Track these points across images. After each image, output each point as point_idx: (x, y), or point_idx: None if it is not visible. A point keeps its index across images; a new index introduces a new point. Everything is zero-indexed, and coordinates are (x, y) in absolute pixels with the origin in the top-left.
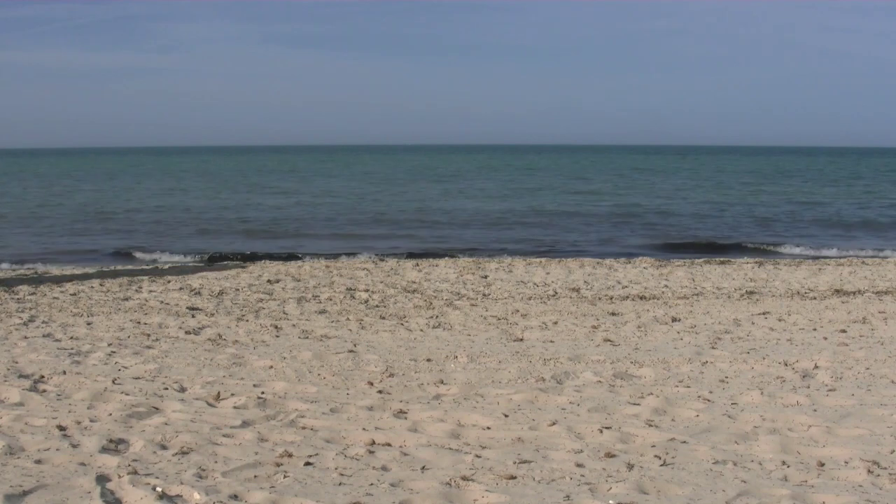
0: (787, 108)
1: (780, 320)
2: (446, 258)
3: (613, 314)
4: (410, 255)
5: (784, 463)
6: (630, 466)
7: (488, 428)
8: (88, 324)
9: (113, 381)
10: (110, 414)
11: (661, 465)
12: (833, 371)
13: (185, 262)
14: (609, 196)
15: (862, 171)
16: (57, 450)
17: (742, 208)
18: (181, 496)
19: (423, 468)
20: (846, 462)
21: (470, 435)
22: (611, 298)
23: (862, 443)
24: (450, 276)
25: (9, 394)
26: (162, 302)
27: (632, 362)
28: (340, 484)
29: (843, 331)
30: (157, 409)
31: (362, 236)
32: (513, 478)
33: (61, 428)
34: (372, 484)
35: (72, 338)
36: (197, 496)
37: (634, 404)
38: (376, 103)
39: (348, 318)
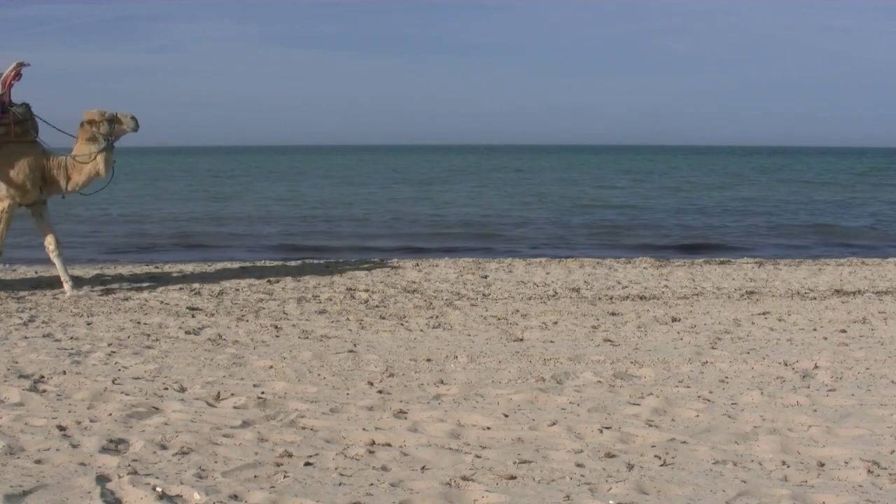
0: (787, 108)
1: (780, 320)
2: (446, 258)
3: (613, 314)
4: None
5: (784, 463)
6: (630, 466)
7: (488, 428)
8: (88, 324)
9: (113, 381)
10: (110, 414)
11: (661, 465)
12: (833, 371)
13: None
14: (569, 198)
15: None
16: (57, 450)
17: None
18: (181, 496)
19: (423, 468)
20: (846, 462)
21: (470, 435)
22: (611, 298)
23: (862, 443)
24: (450, 276)
25: (9, 394)
26: (162, 302)
27: (632, 362)
28: (340, 484)
29: (843, 331)
30: (157, 409)
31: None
32: (513, 478)
33: (61, 428)
34: (372, 484)
35: (72, 338)
36: (197, 496)
37: (634, 404)
38: (376, 103)
39: (348, 318)
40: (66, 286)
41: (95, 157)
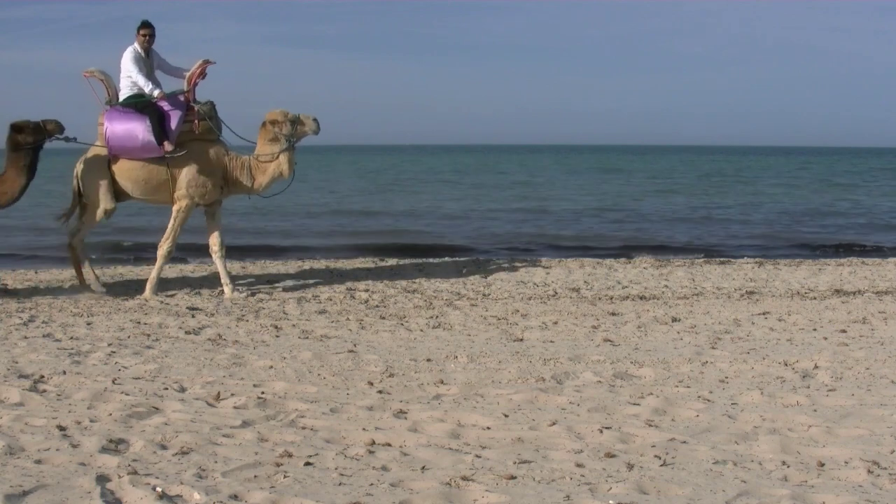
0: (787, 108)
1: (780, 320)
2: (446, 258)
3: (613, 314)
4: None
5: (784, 463)
6: (630, 466)
7: (488, 428)
8: (88, 324)
9: (113, 381)
10: (110, 414)
11: (661, 465)
12: (833, 371)
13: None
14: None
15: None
16: (57, 450)
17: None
18: (181, 496)
19: (423, 468)
20: (846, 462)
21: (470, 435)
22: (611, 298)
23: (862, 443)
24: (450, 276)
25: (9, 394)
26: (162, 302)
27: (632, 362)
28: (340, 484)
29: (843, 331)
30: (157, 409)
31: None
32: (513, 478)
33: (61, 428)
34: (372, 484)
35: (72, 338)
36: (197, 496)
37: (634, 404)
38: (376, 103)
39: (348, 318)
40: (227, 289)
41: (278, 157)
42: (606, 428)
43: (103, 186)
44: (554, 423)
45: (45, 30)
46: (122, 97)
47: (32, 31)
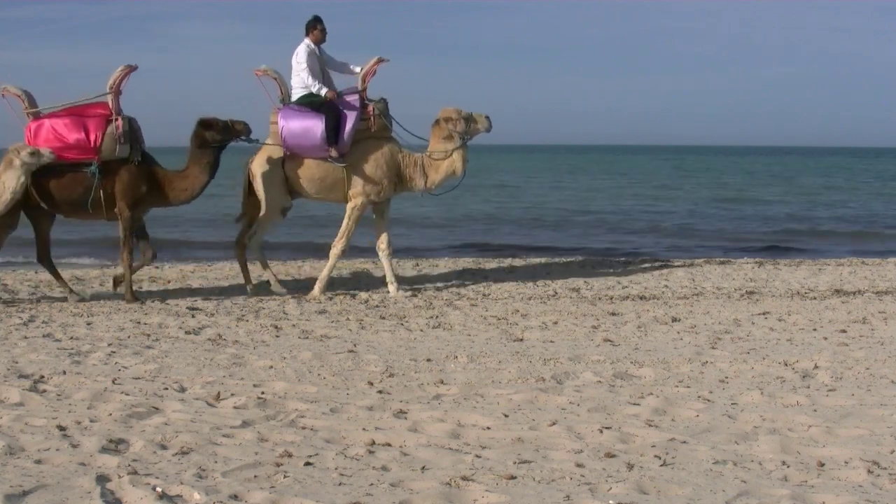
0: (787, 108)
1: (780, 320)
2: (446, 258)
3: (613, 314)
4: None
5: (784, 463)
6: (630, 466)
7: (488, 428)
8: (88, 324)
9: (113, 381)
10: (110, 414)
11: (661, 465)
12: (833, 371)
13: None
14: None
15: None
16: (57, 450)
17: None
18: (181, 496)
19: (423, 468)
20: (846, 462)
21: (470, 435)
22: (611, 298)
23: (862, 443)
24: (450, 276)
25: (9, 394)
26: (162, 302)
27: (632, 362)
28: (340, 484)
29: (843, 331)
30: (157, 409)
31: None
32: (513, 478)
33: (61, 428)
34: (372, 484)
35: (72, 338)
36: (197, 496)
37: (634, 404)
38: None
39: (348, 318)
40: (391, 287)
41: (452, 155)
42: (606, 428)
43: (279, 185)
44: (554, 423)
45: (45, 30)
46: (294, 95)
47: (32, 31)
